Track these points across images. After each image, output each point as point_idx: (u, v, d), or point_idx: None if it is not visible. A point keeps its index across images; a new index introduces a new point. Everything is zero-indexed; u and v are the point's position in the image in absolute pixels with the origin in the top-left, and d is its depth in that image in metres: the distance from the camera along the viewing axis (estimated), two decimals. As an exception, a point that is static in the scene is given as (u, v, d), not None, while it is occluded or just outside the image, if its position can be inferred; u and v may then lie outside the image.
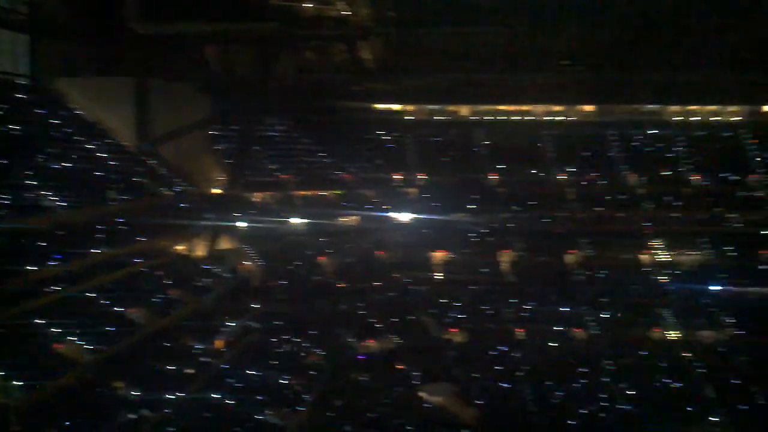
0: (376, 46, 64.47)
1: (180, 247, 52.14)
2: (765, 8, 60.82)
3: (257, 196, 59.59)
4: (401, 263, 59.55)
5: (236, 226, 56.33)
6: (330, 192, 61.44)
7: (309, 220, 58.91)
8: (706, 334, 54.37)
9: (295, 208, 59.44)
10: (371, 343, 51.97)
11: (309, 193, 61.02)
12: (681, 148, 65.05)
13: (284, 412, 40.94)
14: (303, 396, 43.44)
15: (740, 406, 45.89)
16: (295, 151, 62.72)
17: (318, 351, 49.44)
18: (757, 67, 61.59)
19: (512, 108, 67.99)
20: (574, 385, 48.19)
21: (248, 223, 56.71)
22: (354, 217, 60.85)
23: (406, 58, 65.42)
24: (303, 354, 49.04)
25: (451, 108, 68.56)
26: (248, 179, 59.30)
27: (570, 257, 60.31)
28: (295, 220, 58.88)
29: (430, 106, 68.41)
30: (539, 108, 68.04)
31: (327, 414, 42.90)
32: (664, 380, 48.96)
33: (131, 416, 35.28)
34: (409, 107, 68.26)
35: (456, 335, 54.19)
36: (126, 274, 43.82)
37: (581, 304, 56.40)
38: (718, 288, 57.00)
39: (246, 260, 56.11)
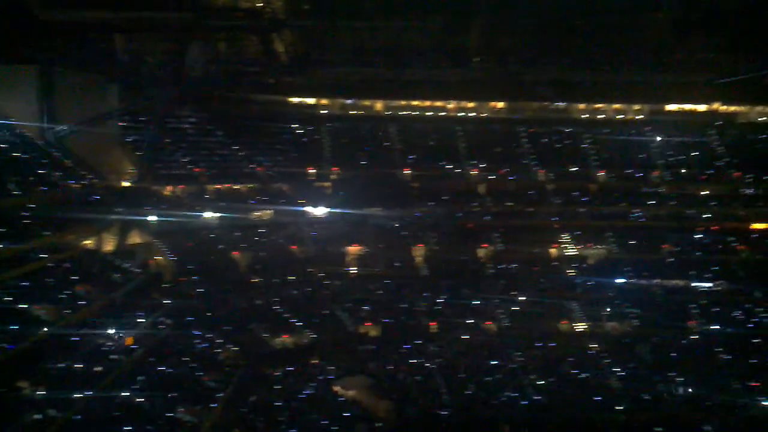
0: (290, 39, 63.86)
1: (88, 242, 50.55)
2: (665, 9, 62.99)
3: (169, 190, 58.29)
4: (316, 258, 59.40)
5: (147, 220, 55.01)
6: (244, 186, 60.66)
7: (222, 214, 58.05)
8: (612, 326, 56.35)
9: (207, 202, 58.44)
10: (286, 338, 51.75)
11: (222, 186, 60.09)
12: (588, 145, 66.84)
13: (197, 409, 40.36)
14: (217, 392, 42.89)
15: (644, 395, 47.96)
16: (207, 144, 61.64)
17: (232, 347, 48.86)
18: (659, 67, 63.75)
19: (426, 104, 68.52)
20: (486, 376, 49.25)
21: (159, 217, 55.45)
22: (268, 212, 60.32)
23: (320, 51, 65.01)
24: (216, 350, 48.39)
25: (366, 102, 68.58)
26: (159, 172, 57.95)
27: (482, 251, 61.33)
28: (208, 214, 57.93)
29: (345, 101, 68.27)
30: (452, 104, 68.75)
31: (241, 410, 42.57)
32: (572, 371, 50.58)
33: (37, 417, 34.17)
34: (324, 101, 67.97)
35: (370, 329, 54.55)
36: (30, 270, 42.19)
37: (493, 297, 57.47)
38: (623, 281, 58.97)
39: (157, 255, 54.88)
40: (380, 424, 43.18)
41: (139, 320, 46.34)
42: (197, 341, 48.50)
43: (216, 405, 41.42)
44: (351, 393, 46.11)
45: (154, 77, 58.79)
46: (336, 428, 41.46)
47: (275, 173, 61.76)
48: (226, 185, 60.24)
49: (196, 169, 59.19)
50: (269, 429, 40.98)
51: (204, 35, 61.59)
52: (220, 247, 57.55)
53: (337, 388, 46.54)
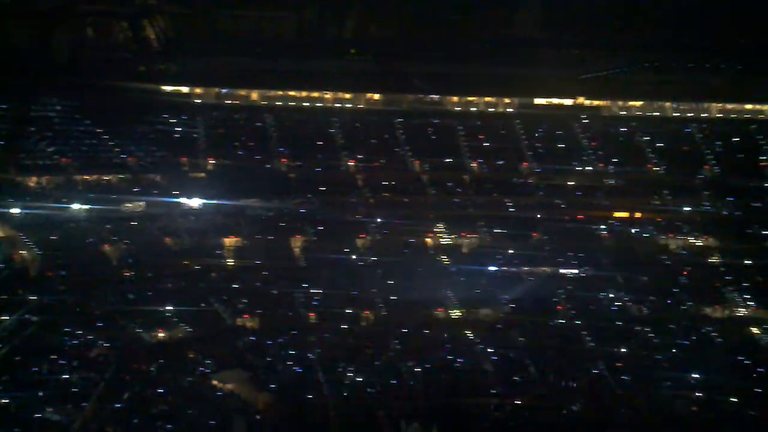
0: (163, 26, 62.27)
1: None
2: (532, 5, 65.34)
3: (33, 181, 55.76)
4: (191, 250, 58.20)
5: (10, 213, 52.43)
6: (114, 176, 58.71)
7: (91, 206, 56.00)
8: (486, 312, 58.04)
9: (76, 193, 56.24)
10: (160, 333, 50.58)
11: (91, 177, 57.98)
12: (461, 137, 68.36)
13: (68, 409, 38.97)
14: (88, 390, 41.49)
15: (516, 378, 49.83)
16: (75, 133, 59.23)
17: (103, 343, 47.33)
18: (528, 62, 66.01)
19: (302, 94, 68.24)
20: (364, 365, 49.84)
21: (23, 209, 52.99)
22: (140, 203, 58.65)
23: (194, 39, 63.71)
24: (87, 347, 46.77)
25: (241, 92, 67.64)
26: (23, 162, 55.27)
27: (359, 242, 61.75)
28: (76, 206, 55.78)
29: (220, 90, 67.10)
30: (328, 95, 68.80)
31: (115, 407, 41.34)
32: (448, 357, 51.89)
33: None
34: (198, 90, 66.54)
35: (248, 321, 54.03)
36: None
37: (370, 287, 58.06)
38: (496, 268, 60.81)
39: (21, 249, 52.42)
40: (259, 417, 42.99)
41: (2, 317, 44.24)
42: (66, 338, 46.73)
43: (87, 403, 40.06)
44: (229, 386, 45.67)
45: (17, 63, 55.97)
46: (214, 422, 40.99)
47: (147, 163, 60.06)
48: (96, 176, 58.15)
49: (64, 160, 56.83)
50: (145, 425, 40.02)
51: (70, 20, 59.21)
52: (89, 240, 55.53)
53: (214, 382, 45.93)
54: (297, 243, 60.68)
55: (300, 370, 48.86)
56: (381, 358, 51.31)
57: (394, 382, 48.54)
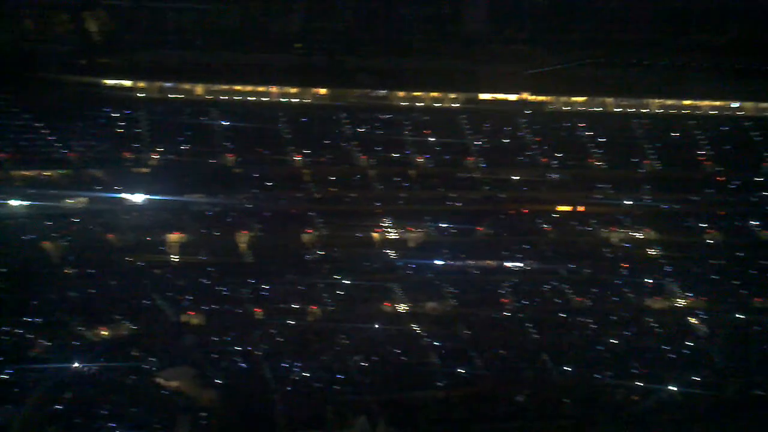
0: (105, 19, 61.16)
1: None
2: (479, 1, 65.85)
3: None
4: (134, 246, 57.43)
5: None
6: (54, 172, 57.54)
7: (31, 202, 54.82)
8: (431, 306, 58.52)
9: (14, 189, 55.00)
10: (103, 331, 49.82)
11: (31, 172, 56.76)
12: (407, 132, 68.63)
13: (7, 409, 38.19)
14: (28, 390, 40.70)
15: (462, 370, 50.38)
16: (14, 128, 57.85)
17: (44, 341, 46.45)
18: (474, 57, 66.51)
19: (248, 88, 67.70)
20: (311, 360, 49.83)
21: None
22: (82, 199, 57.62)
23: (137, 32, 62.68)
24: (26, 345, 45.85)
25: (186, 86, 66.80)
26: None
27: (306, 236, 61.65)
28: (15, 203, 54.56)
29: (164, 84, 66.18)
30: (274, 89, 68.40)
31: (56, 407, 40.64)
32: (394, 350, 52.20)
33: None
34: (141, 84, 65.53)
35: (193, 318, 53.56)
36: None
37: (317, 281, 58.04)
38: (442, 262, 61.30)
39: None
40: (205, 414, 42.67)
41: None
42: (5, 337, 45.76)
43: (27, 403, 39.31)
44: (174, 384, 45.15)
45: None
46: (158, 421, 40.57)
47: (89, 159, 59.02)
48: (36, 171, 56.96)
49: (2, 155, 55.54)
50: (87, 425, 39.43)
51: (9, 11, 57.81)
52: (29, 236, 54.37)
53: (159, 380, 45.41)
54: (243, 238, 60.28)
55: (246, 366, 48.63)
56: (328, 352, 51.36)
57: (341, 376, 48.66)
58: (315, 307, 56.44)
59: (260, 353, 50.18)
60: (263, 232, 60.86)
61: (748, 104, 74.46)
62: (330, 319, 55.60)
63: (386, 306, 58.09)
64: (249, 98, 67.69)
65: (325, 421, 43.45)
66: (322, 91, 69.65)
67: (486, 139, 69.08)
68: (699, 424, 47.86)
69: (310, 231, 61.97)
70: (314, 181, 64.16)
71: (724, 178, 69.61)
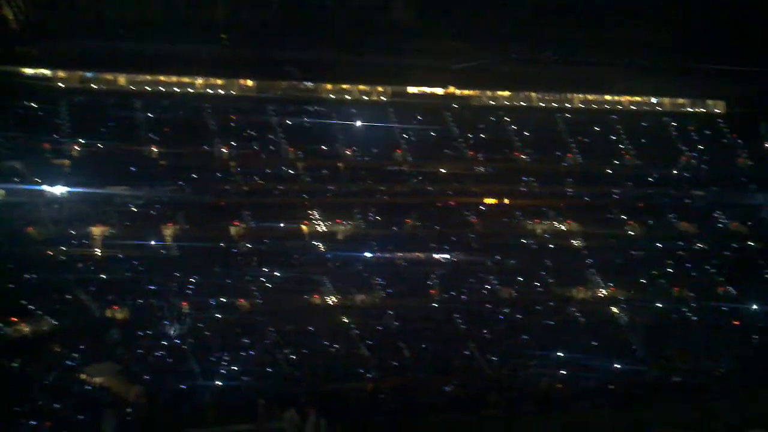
0: (22, 6, 59.09)
1: None
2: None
3: None
4: (55, 239, 55.81)
5: None
6: (-32, 164, 55.60)
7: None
8: (361, 298, 58.73)
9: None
10: (23, 326, 48.35)
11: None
12: (335, 125, 68.48)
13: None
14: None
15: (391, 361, 50.79)
16: None
17: (-39, 339, 44.97)
18: (403, 51, 66.62)
19: (172, 79, 66.49)
20: (240, 353, 49.49)
21: None
22: (0, 191, 55.77)
23: (57, 20, 60.73)
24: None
25: (108, 76, 65.18)
26: None
27: (234, 229, 60.98)
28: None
29: (85, 74, 64.42)
30: (199, 80, 67.37)
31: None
32: (324, 343, 52.25)
33: None
34: (61, 73, 63.63)
35: (117, 312, 52.46)
36: None
37: (245, 274, 57.55)
38: (370, 254, 61.51)
39: None
40: (131, 410, 41.85)
41: None
42: None
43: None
44: (98, 380, 44.19)
45: None
46: (83, 417, 39.60)
47: (7, 150, 57.07)
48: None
49: None
50: (8, 424, 38.20)
51: None
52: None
53: (83, 376, 44.37)
54: (168, 231, 59.23)
55: (173, 361, 47.95)
56: (256, 345, 51.07)
57: (270, 369, 48.46)
58: (243, 301, 55.97)
59: (187, 347, 49.57)
60: (189, 224, 59.89)
61: (666, 100, 77.14)
62: (258, 312, 55.23)
63: (315, 298, 58.05)
64: (174, 89, 66.53)
65: (255, 415, 43.15)
66: (249, 82, 68.97)
67: (414, 133, 69.54)
68: (620, 410, 49.28)
69: (238, 223, 61.31)
70: (242, 174, 63.45)
71: (643, 172, 71.71)
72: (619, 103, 75.98)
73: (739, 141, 75.51)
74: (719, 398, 51.06)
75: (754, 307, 63.54)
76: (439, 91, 71.94)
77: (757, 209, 73.03)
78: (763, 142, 75.98)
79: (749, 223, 71.45)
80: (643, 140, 73.77)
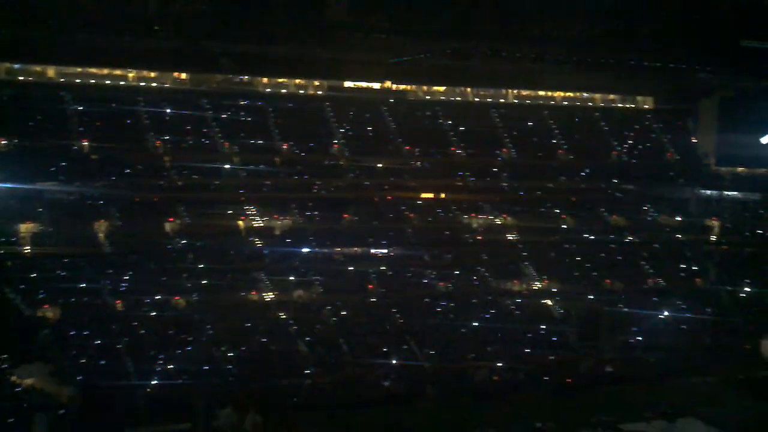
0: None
1: None
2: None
3: None
4: (-19, 237, 54.18)
5: None
6: None
7: None
8: (298, 294, 58.57)
9: None
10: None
11: None
12: (272, 119, 67.97)
13: None
14: None
15: (330, 357, 50.95)
16: None
17: None
18: (339, 45, 66.42)
19: (104, 72, 65.00)
20: (176, 351, 48.98)
21: None
22: None
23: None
24: None
25: (36, 68, 63.34)
26: None
27: (168, 225, 59.96)
28: None
29: (12, 65, 62.46)
30: (132, 73, 66.02)
31: None
32: (262, 339, 52.04)
33: None
34: (-15, 65, 61.67)
35: (48, 312, 51.15)
36: None
37: (181, 271, 56.79)
38: (308, 250, 61.32)
39: None
40: (63, 412, 41.13)
41: None
42: None
43: None
44: (29, 381, 43.21)
45: None
46: (13, 420, 38.72)
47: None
48: None
49: None
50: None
51: None
52: None
53: (13, 378, 43.28)
54: (101, 228, 57.88)
55: (106, 361, 47.11)
56: (193, 344, 50.53)
57: (207, 367, 48.05)
58: (179, 298, 55.21)
59: (121, 347, 48.76)
60: (122, 221, 58.57)
61: (597, 95, 78.83)
62: (194, 310, 54.57)
63: (253, 295, 57.63)
64: (105, 82, 65.09)
65: (192, 414, 42.76)
66: (183, 75, 67.89)
67: (350, 127, 69.52)
68: (555, 400, 50.51)
69: (172, 220, 60.30)
70: (176, 169, 62.39)
71: (576, 166, 73.15)
72: (552, 98, 77.31)
73: (668, 136, 77.55)
74: (650, 386, 53.21)
75: (683, 297, 65.58)
76: (376, 85, 71.98)
77: (684, 202, 75.15)
78: (690, 137, 78.20)
79: (677, 216, 73.40)
80: (575, 135, 75.13)
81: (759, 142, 70.36)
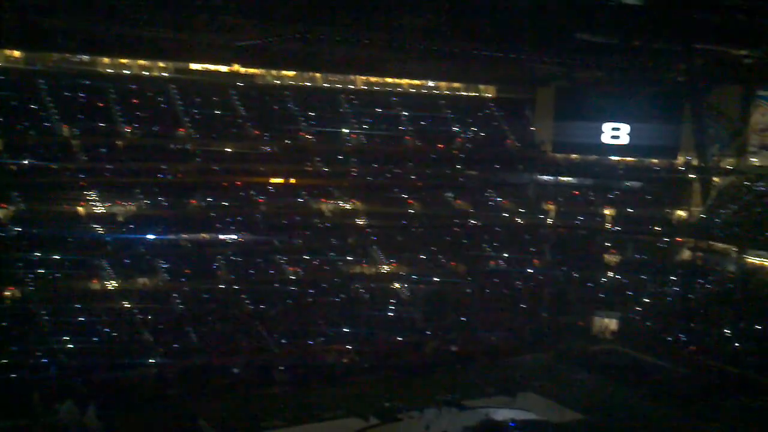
0: None
1: None
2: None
3: None
4: None
5: None
6: None
7: None
8: (143, 281, 57.00)
9: None
10: None
11: None
12: (114, 101, 65.35)
13: None
14: None
15: (176, 345, 50.11)
16: None
17: None
18: (185, 26, 64.55)
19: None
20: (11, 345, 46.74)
21: None
22: None
23: None
24: None
25: None
26: None
27: (0, 212, 56.51)
28: None
29: None
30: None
31: None
32: (104, 330, 50.42)
33: None
34: None
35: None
36: None
37: (16, 261, 53.95)
38: (153, 236, 59.69)
39: None
40: None
41: None
42: None
43: None
44: None
45: None
46: None
47: None
48: None
49: None
50: None
51: None
52: None
53: None
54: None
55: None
56: (29, 336, 48.26)
57: (46, 360, 46.12)
58: (13, 288, 52.35)
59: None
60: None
61: (443, 83, 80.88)
62: (31, 300, 51.97)
63: (94, 283, 55.52)
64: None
65: (30, 410, 41.00)
66: (16, 53, 63.91)
67: (198, 111, 67.98)
68: (403, 381, 51.97)
69: (5, 206, 56.85)
70: (9, 152, 58.72)
71: (422, 152, 74.87)
72: (399, 85, 78.63)
73: (508, 123, 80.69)
74: (491, 364, 55.95)
75: (522, 278, 68.82)
76: (224, 68, 70.70)
77: (523, 187, 78.56)
78: (530, 125, 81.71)
79: (517, 200, 76.68)
80: (421, 122, 76.82)
81: (592, 130, 74.22)
